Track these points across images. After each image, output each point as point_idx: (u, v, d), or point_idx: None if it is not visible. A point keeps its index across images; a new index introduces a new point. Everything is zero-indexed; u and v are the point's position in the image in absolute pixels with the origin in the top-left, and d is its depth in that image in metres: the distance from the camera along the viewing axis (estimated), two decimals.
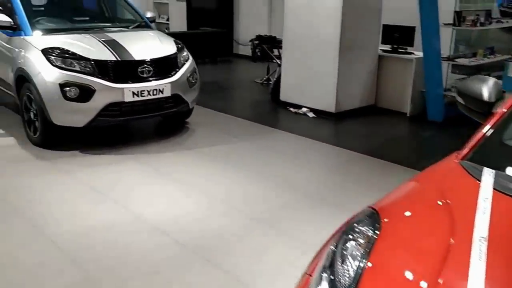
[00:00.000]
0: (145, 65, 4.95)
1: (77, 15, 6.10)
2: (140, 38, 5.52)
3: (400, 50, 6.80)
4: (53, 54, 4.73)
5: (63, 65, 4.69)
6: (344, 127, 6.18)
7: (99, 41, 5.06)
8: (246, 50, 11.31)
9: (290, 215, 3.68)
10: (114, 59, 4.83)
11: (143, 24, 5.95)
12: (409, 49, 6.76)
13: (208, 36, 10.81)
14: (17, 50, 5.11)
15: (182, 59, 5.39)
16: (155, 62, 5.04)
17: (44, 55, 4.75)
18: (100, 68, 4.75)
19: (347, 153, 5.14)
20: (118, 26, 5.88)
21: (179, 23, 12.72)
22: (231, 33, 11.53)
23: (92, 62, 4.74)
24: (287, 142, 5.50)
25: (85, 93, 4.67)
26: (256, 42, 8.27)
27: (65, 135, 5.04)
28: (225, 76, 9.59)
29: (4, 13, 5.37)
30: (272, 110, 7.00)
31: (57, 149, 4.92)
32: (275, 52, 8.30)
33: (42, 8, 6.34)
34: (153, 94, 4.99)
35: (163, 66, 5.12)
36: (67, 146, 5.01)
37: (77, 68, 4.71)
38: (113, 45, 5.02)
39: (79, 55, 4.76)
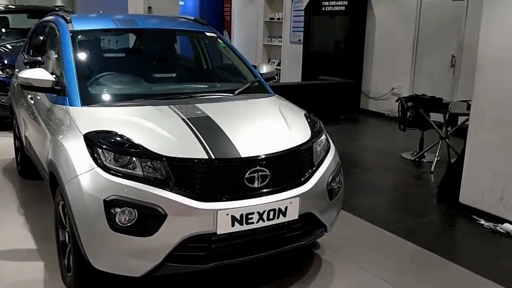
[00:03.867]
0: (258, 167, 2.73)
1: (161, 69, 4.10)
2: (251, 113, 3.32)
3: None
4: (103, 145, 2.66)
5: (115, 166, 2.61)
6: None
7: (182, 119, 2.94)
8: (378, 106, 8.94)
9: None
10: (205, 157, 2.65)
11: (256, 85, 3.78)
12: None
13: (330, 88, 8.57)
14: (53, 128, 3.17)
15: (319, 149, 3.10)
16: (274, 160, 2.80)
17: (88, 144, 2.71)
18: (179, 174, 2.60)
19: None
20: (217, 90, 3.75)
21: (293, 69, 10.67)
22: (359, 84, 9.17)
23: (166, 162, 2.61)
24: None
25: (149, 220, 2.53)
26: (410, 103, 5.81)
27: (111, 282, 2.94)
28: (355, 144, 7.15)
29: (48, 67, 3.53)
30: (445, 219, 4.44)
31: None
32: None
33: (122, 55, 4.47)
34: (269, 219, 2.73)
35: (287, 167, 2.86)
36: None
37: (139, 172, 2.59)
38: (205, 127, 2.87)
39: (144, 147, 2.65)
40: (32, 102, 3.89)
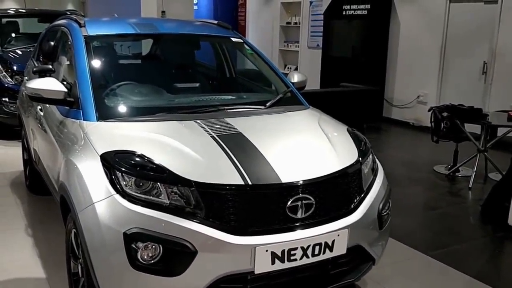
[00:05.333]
0: (301, 194, 2.35)
1: (183, 78, 3.74)
2: (288, 129, 2.92)
3: None
4: (122, 167, 2.30)
5: (137, 192, 2.25)
6: None
7: (212, 137, 2.57)
8: (402, 114, 8.55)
9: None
10: (241, 182, 2.28)
11: (289, 96, 3.40)
12: None
13: (351, 95, 8.16)
14: (65, 145, 2.82)
15: (367, 171, 2.71)
16: (320, 186, 2.41)
17: (105, 167, 2.35)
18: (211, 202, 2.23)
19: None
20: (247, 101, 3.37)
21: (311, 75, 10.25)
22: (382, 91, 8.77)
23: (195, 189, 2.24)
24: None
25: (175, 257, 2.17)
26: (445, 114, 5.41)
27: None
28: (382, 156, 6.62)
29: (60, 76, 3.18)
30: (494, 243, 4.02)
31: None
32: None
33: (141, 63, 4.13)
34: (314, 255, 2.35)
35: (334, 193, 2.48)
36: None
37: (164, 200, 2.23)
38: (239, 147, 2.49)
39: (170, 171, 2.28)
40: (41, 113, 3.55)
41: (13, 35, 7.88)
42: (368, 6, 8.66)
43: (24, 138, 4.76)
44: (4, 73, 6.64)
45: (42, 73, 3.25)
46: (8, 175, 5.24)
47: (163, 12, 9.60)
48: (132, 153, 2.37)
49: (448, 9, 7.73)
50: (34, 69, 3.51)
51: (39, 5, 12.58)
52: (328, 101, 7.70)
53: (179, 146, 2.46)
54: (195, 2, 12.04)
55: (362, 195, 2.58)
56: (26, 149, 4.74)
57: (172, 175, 2.26)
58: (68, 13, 8.47)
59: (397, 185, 5.45)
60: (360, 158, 2.66)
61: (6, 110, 6.54)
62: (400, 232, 3.97)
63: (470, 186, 5.18)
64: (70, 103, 2.94)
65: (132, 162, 2.33)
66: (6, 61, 6.81)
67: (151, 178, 2.26)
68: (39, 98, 2.95)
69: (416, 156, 6.59)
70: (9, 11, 8.59)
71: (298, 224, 2.33)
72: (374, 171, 2.79)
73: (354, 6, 8.89)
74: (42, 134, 3.55)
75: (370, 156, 2.81)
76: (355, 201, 2.54)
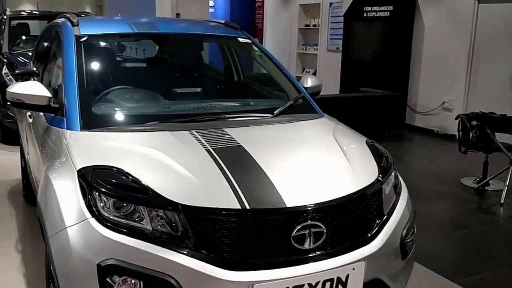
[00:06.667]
0: (310, 221, 1.98)
1: (183, 82, 3.40)
2: (298, 142, 2.54)
3: None
4: (100, 187, 1.97)
5: (115, 217, 1.91)
6: None
7: (207, 150, 2.22)
8: (426, 122, 8.09)
9: None
10: (237, 206, 1.92)
11: (301, 103, 3.02)
12: None
13: (372, 100, 7.76)
14: (46, 158, 2.51)
15: (388, 191, 2.33)
16: (332, 211, 2.04)
17: (83, 186, 2.02)
18: (201, 230, 1.88)
19: None
20: (252, 109, 3.00)
21: (330, 79, 9.86)
22: (405, 97, 8.32)
23: (182, 214, 1.90)
24: None
25: None
26: (474, 122, 4.97)
27: None
28: (404, 166, 6.27)
29: (51, 79, 2.88)
30: None
31: None
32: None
33: (137, 65, 3.83)
34: None
35: (349, 219, 2.11)
36: None
37: (146, 226, 1.89)
38: (237, 163, 2.13)
39: (154, 192, 1.94)
40: (30, 120, 3.26)
41: (23, 37, 7.70)
42: (390, 8, 8.23)
43: (21, 145, 4.50)
44: (10, 76, 6.42)
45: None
46: (8, 183, 4.99)
47: (177, 14, 9.35)
48: (111, 169, 2.04)
49: (477, 10, 7.25)
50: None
51: (56, 8, 12.48)
52: (348, 106, 7.33)
53: (167, 162, 2.11)
54: (211, 4, 11.78)
55: (383, 220, 2.20)
56: (23, 156, 4.48)
57: (156, 197, 1.92)
58: (83, 15, 8.26)
59: (421, 200, 5.01)
60: (381, 176, 2.28)
61: (11, 114, 6.32)
62: (424, 254, 3.56)
63: (502, 201, 4.73)
64: (55, 110, 2.63)
65: (111, 179, 1.99)
66: (13, 63, 6.61)
67: (131, 200, 1.93)
68: (20, 104, 2.64)
69: (441, 167, 6.14)
70: (22, 13, 8.43)
71: (305, 256, 1.96)
72: (397, 191, 2.41)
73: (376, 8, 8.47)
74: (31, 142, 3.26)
75: (392, 175, 2.42)
76: (374, 227, 2.16)
